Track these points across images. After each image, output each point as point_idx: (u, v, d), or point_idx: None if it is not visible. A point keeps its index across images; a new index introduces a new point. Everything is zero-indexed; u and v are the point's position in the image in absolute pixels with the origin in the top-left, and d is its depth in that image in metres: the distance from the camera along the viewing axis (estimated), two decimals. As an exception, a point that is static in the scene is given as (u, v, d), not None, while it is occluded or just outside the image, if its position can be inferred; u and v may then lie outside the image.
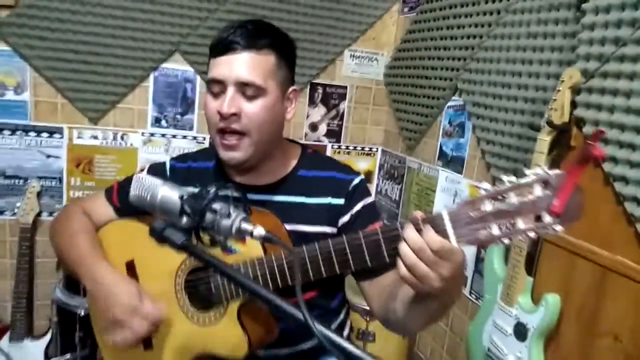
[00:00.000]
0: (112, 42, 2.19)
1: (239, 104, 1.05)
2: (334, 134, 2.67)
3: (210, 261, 0.73)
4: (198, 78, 2.37)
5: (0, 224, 2.25)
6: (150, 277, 1.10)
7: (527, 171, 0.76)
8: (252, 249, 0.98)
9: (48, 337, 2.15)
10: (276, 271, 0.97)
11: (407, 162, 2.50)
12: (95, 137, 2.30)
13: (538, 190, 0.74)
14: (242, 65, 1.04)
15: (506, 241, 0.77)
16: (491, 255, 1.69)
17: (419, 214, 0.81)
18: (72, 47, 2.15)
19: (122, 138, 2.34)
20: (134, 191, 0.82)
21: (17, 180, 2.23)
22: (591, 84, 1.38)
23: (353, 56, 2.60)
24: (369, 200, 1.18)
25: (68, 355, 1.96)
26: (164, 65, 2.32)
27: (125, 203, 1.17)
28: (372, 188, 2.81)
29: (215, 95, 1.08)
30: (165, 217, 0.79)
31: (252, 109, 1.06)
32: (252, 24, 1.08)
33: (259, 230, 0.72)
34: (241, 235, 0.73)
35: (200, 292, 1.07)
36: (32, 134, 2.20)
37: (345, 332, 1.29)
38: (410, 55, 2.43)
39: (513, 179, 0.77)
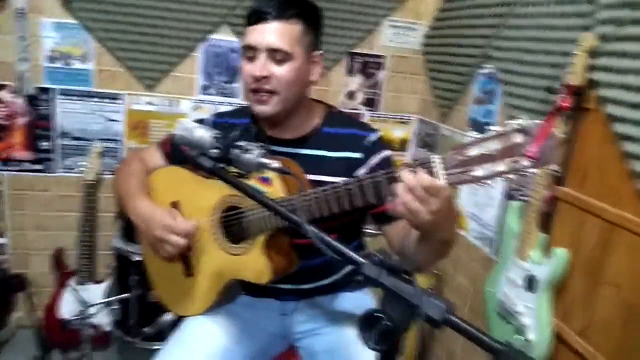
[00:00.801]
0: (167, 15, 2.38)
1: (269, 67, 1.21)
2: (371, 103, 2.78)
3: (234, 182, 0.90)
4: (243, 49, 2.53)
5: (68, 181, 2.51)
6: (191, 214, 1.29)
7: (509, 121, 0.87)
8: (276, 191, 1.14)
9: (108, 282, 2.41)
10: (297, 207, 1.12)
11: (440, 130, 2.58)
12: (151, 104, 2.52)
13: (517, 138, 0.85)
14: (272, 33, 1.20)
15: (488, 182, 0.89)
16: (509, 213, 1.79)
17: None
18: (131, 20, 2.35)
19: (174, 104, 2.55)
20: (177, 131, 1.00)
21: (82, 142, 2.48)
22: (606, 47, 1.44)
23: (391, 26, 2.68)
24: (385, 154, 1.31)
25: (124, 295, 2.21)
26: (213, 36, 2.49)
27: (173, 149, 1.37)
28: (407, 156, 2.91)
29: (249, 60, 1.24)
30: (200, 150, 0.96)
31: (281, 72, 1.22)
32: None
33: (275, 163, 0.88)
34: (260, 167, 0.89)
35: (233, 226, 1.25)
36: (96, 99, 2.44)
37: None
38: (447, 24, 2.49)
39: (497, 127, 0.88)
